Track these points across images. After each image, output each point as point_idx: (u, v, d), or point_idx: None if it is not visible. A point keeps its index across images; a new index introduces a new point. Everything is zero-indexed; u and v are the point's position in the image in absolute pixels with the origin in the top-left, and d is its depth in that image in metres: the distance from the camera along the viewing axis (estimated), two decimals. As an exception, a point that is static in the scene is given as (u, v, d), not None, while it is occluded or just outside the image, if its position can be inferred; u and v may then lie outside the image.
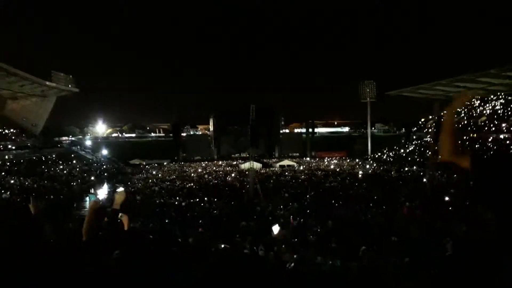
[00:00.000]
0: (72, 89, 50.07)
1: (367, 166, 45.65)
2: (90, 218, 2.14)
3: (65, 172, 35.21)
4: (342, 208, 17.28)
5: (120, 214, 2.55)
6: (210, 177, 37.71)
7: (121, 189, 2.66)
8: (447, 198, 17.46)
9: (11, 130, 42.27)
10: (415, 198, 18.24)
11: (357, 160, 54.93)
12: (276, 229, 7.59)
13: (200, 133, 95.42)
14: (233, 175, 39.16)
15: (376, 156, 55.30)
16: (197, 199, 22.44)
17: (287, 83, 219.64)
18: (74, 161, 42.36)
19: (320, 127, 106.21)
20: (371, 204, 17.75)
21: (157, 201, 22.15)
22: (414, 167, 38.12)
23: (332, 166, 47.55)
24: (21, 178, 27.72)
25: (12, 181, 26.23)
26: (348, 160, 57.26)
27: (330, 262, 6.60)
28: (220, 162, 59.60)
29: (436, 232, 10.16)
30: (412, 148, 49.92)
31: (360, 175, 34.87)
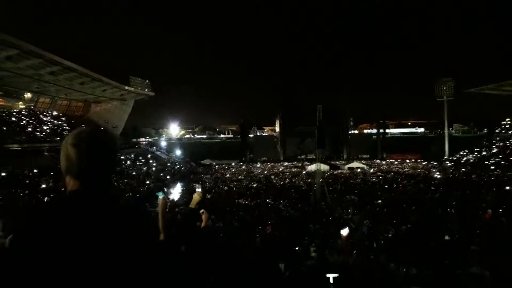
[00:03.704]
0: (148, 93, 53.70)
1: (444, 169, 42.66)
2: (161, 216, 2.25)
3: (142, 171, 37.70)
4: (416, 213, 16.35)
5: (201, 210, 2.66)
6: (276, 178, 37.93)
7: (199, 189, 2.76)
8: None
9: (95, 132, 46.17)
10: (500, 205, 16.66)
11: (433, 163, 51.60)
12: (345, 231, 7.38)
13: (266, 134, 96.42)
14: (299, 176, 39.00)
15: (455, 158, 51.51)
16: (265, 200, 22.71)
17: (356, 81, 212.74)
18: (151, 161, 45.16)
19: (392, 127, 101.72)
20: (449, 210, 16.59)
21: (227, 201, 22.79)
22: (498, 171, 34.86)
23: (405, 169, 45.23)
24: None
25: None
26: (423, 163, 54.00)
27: (404, 270, 6.30)
28: (286, 164, 59.65)
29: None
30: (495, 150, 45.65)
31: (436, 179, 32.78)
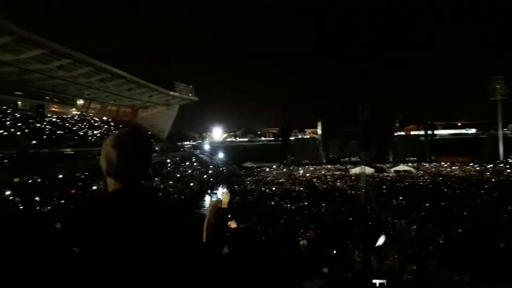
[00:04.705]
0: (192, 98, 55.26)
1: (499, 172, 40.13)
2: (211, 216, 2.29)
3: (187, 173, 38.73)
4: (468, 218, 15.55)
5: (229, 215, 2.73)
6: (319, 181, 37.46)
7: (225, 190, 2.80)
8: None
9: (143, 136, 48.09)
10: None
11: (485, 166, 48.68)
12: (382, 240, 7.13)
13: (308, 136, 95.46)
14: (343, 180, 38.27)
15: (510, 161, 48.35)
16: (306, 203, 22.50)
17: (403, 80, 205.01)
18: (195, 164, 46.29)
19: (441, 128, 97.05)
20: (505, 215, 15.63)
21: (268, 203, 22.85)
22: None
23: (455, 172, 43.05)
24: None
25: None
26: (475, 166, 51.09)
27: (457, 277, 6.04)
28: (329, 166, 58.71)
29: None
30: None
31: (490, 182, 30.92)
